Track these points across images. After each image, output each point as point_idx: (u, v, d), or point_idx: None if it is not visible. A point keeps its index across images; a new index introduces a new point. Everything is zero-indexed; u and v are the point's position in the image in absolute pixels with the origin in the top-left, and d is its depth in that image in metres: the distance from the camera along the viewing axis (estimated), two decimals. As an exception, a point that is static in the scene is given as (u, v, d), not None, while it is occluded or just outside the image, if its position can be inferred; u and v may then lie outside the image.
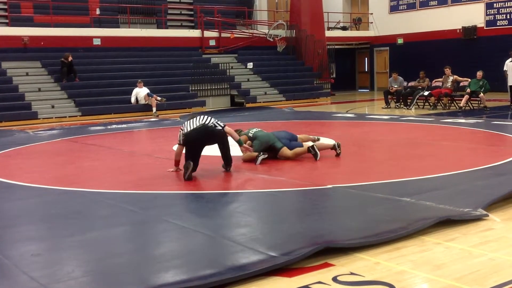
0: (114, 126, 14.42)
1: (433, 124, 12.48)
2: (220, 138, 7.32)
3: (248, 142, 8.23)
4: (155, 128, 13.79)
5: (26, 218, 5.47)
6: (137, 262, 4.05)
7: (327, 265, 3.92)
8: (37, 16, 21.31)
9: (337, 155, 8.21)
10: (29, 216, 5.56)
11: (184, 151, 7.27)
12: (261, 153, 7.92)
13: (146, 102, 17.64)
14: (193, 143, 7.15)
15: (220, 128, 7.30)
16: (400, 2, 26.10)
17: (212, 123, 7.29)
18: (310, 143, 8.27)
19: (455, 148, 8.96)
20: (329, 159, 8.32)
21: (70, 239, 4.66)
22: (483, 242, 4.32)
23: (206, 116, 7.43)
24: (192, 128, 7.18)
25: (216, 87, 20.61)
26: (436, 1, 24.45)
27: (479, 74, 15.69)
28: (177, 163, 7.44)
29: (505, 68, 15.80)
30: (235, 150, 7.75)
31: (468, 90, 15.48)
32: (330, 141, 8.45)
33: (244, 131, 8.43)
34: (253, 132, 8.33)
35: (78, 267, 3.98)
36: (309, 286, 3.57)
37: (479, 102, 15.84)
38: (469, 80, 16.02)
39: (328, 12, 26.16)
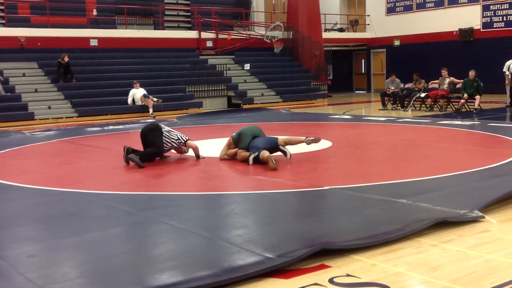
0: (110, 127, 14.40)
1: (430, 125, 12.49)
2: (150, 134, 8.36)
3: (235, 150, 8.22)
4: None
5: (22, 219, 5.46)
6: (134, 263, 4.04)
7: (323, 266, 3.91)
8: (34, 16, 21.28)
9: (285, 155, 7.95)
10: (25, 217, 5.55)
11: None
12: (252, 152, 7.81)
13: (143, 103, 17.62)
14: (141, 135, 8.48)
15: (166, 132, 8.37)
16: (397, 4, 26.13)
17: (168, 131, 8.36)
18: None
19: (452, 150, 8.98)
20: (326, 161, 8.33)
21: (66, 240, 4.65)
22: (479, 244, 4.32)
23: (169, 129, 8.55)
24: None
25: (213, 88, 20.61)
26: (433, 3, 24.50)
27: (472, 74, 15.64)
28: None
29: (504, 69, 15.59)
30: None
31: (466, 96, 15.44)
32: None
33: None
34: (236, 132, 8.32)
35: (74, 268, 3.98)
36: (306, 287, 3.57)
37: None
38: (463, 81, 15.96)
39: (325, 14, 26.18)
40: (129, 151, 8.14)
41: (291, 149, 8.09)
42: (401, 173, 7.15)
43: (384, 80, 22.68)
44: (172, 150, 8.62)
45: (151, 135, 8.33)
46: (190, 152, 8.61)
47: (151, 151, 8.26)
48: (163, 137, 8.32)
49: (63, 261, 4.15)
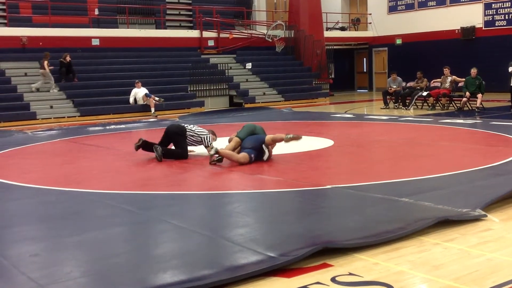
0: (112, 126, 14.41)
1: (432, 124, 12.48)
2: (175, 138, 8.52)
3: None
4: (154, 129, 13.77)
5: (24, 219, 5.46)
6: (136, 263, 4.05)
7: (325, 265, 3.91)
8: (36, 16, 21.29)
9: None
10: (27, 217, 5.56)
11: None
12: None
13: (145, 103, 17.63)
14: (165, 133, 8.58)
15: (190, 131, 8.47)
16: (399, 3, 26.11)
17: (191, 130, 8.45)
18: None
19: (454, 149, 8.97)
20: (328, 160, 8.32)
21: (68, 239, 4.65)
22: (482, 243, 4.32)
23: (194, 126, 8.71)
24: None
25: (214, 88, 20.61)
26: (435, 2, 24.47)
27: (474, 71, 15.60)
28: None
29: (510, 70, 15.34)
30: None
31: (468, 94, 15.40)
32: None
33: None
34: (239, 130, 8.33)
35: (77, 268, 3.98)
36: (308, 286, 3.57)
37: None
38: (465, 79, 15.93)
39: (326, 13, 26.16)
40: (143, 142, 8.37)
41: (290, 148, 8.08)
42: (403, 172, 7.15)
43: (386, 78, 22.68)
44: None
45: (177, 139, 8.50)
46: (199, 150, 8.64)
47: (178, 154, 8.41)
48: (186, 140, 8.49)
49: (65, 260, 4.15)
